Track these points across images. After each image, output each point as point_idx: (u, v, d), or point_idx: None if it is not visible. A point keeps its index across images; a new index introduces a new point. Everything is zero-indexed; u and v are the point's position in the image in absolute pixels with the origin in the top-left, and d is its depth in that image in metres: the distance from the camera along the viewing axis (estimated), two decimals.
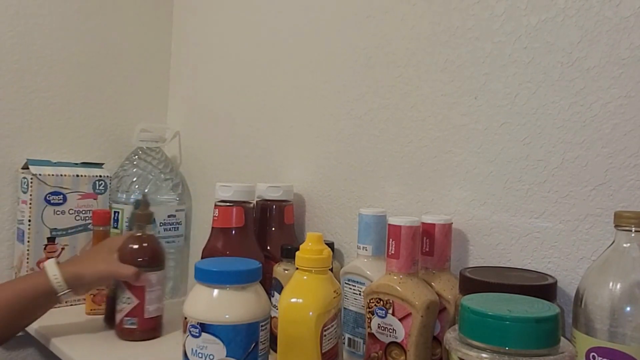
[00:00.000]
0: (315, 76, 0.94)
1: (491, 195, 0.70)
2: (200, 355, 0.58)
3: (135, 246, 0.84)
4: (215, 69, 1.18)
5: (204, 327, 0.58)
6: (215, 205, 0.84)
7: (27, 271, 1.01)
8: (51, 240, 1.03)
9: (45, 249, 1.03)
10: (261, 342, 0.60)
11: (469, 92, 0.73)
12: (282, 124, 1.00)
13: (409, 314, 0.62)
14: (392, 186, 0.82)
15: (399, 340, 0.63)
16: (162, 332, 0.86)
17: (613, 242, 0.53)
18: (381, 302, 0.64)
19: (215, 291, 0.60)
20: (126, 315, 0.83)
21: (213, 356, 0.58)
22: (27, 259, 1.01)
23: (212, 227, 0.84)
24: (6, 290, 0.79)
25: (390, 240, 0.65)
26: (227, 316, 0.58)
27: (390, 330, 0.64)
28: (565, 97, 0.64)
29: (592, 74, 0.62)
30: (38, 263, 1.02)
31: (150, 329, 0.84)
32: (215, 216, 0.83)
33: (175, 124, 1.29)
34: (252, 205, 0.87)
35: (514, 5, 0.68)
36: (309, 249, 0.63)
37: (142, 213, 0.85)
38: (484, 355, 0.44)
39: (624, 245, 0.52)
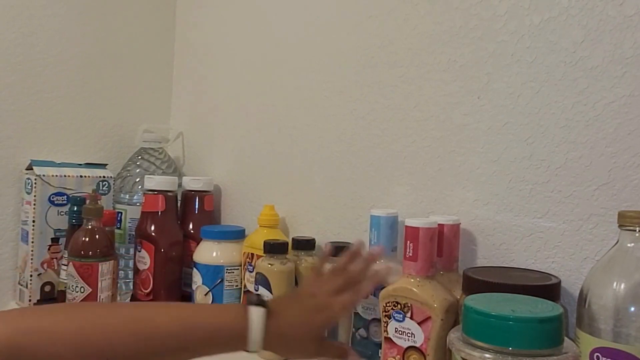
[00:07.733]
0: (318, 76, 0.94)
1: (494, 195, 0.70)
2: (190, 279, 0.96)
3: (87, 239, 0.90)
4: (218, 70, 1.18)
5: (194, 264, 0.94)
6: (144, 193, 1.01)
7: (30, 272, 1.01)
8: (55, 240, 1.03)
9: (49, 249, 1.03)
10: (227, 280, 0.91)
11: (472, 92, 0.73)
12: (284, 124, 1.00)
13: (429, 318, 0.61)
14: (395, 186, 0.82)
15: (417, 345, 0.62)
16: None
17: (617, 241, 0.53)
18: (399, 306, 0.63)
19: (204, 243, 0.94)
20: None
21: (196, 282, 0.93)
22: (31, 259, 1.01)
23: (141, 211, 1.01)
24: (181, 315, 0.57)
25: (408, 242, 0.63)
26: (203, 259, 0.93)
27: (409, 335, 0.62)
28: (568, 97, 0.64)
29: (596, 73, 0.61)
30: (42, 264, 1.02)
31: None
32: (143, 202, 1.01)
33: (178, 125, 1.29)
34: (173, 193, 1.02)
35: (517, 4, 0.68)
36: None
37: (93, 207, 0.91)
38: (487, 355, 0.44)
39: (628, 245, 0.52)
